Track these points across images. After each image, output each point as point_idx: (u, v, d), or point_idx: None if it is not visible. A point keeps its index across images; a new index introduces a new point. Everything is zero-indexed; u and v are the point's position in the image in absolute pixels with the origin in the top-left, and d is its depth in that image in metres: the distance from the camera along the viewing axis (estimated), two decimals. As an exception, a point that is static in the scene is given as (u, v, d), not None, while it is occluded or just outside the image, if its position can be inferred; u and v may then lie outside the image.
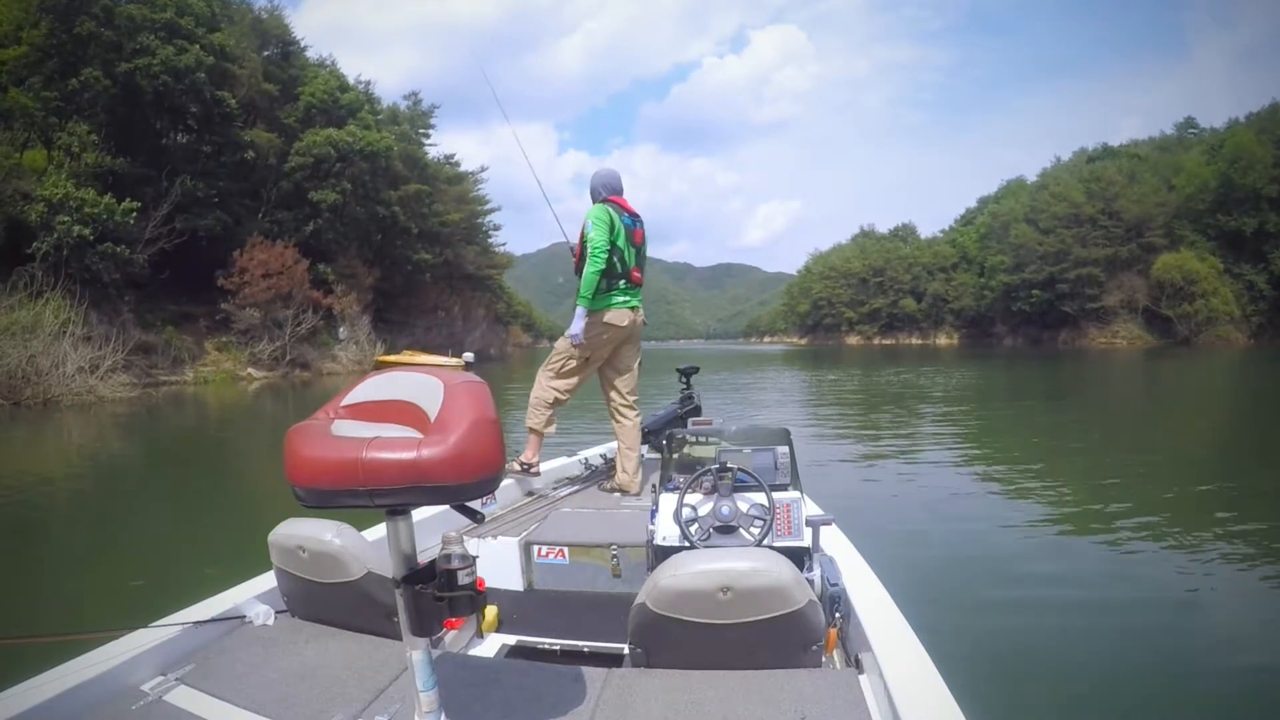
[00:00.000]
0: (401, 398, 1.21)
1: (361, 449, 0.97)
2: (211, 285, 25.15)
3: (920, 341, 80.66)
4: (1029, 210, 64.61)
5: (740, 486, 2.18)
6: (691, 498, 2.19)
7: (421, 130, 43.96)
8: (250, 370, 25.07)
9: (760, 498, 2.15)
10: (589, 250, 3.29)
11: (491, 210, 51.18)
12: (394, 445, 0.98)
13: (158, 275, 22.74)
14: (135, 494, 7.83)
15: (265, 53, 31.18)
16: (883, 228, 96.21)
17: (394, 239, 37.14)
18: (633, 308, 3.50)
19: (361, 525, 2.00)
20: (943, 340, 79.44)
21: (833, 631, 1.73)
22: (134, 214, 20.98)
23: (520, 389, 22.33)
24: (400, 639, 1.15)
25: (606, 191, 3.50)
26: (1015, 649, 3.24)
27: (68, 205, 19.22)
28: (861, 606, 1.82)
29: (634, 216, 3.52)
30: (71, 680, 1.46)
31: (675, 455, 2.49)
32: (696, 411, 4.10)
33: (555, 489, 3.58)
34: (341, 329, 31.61)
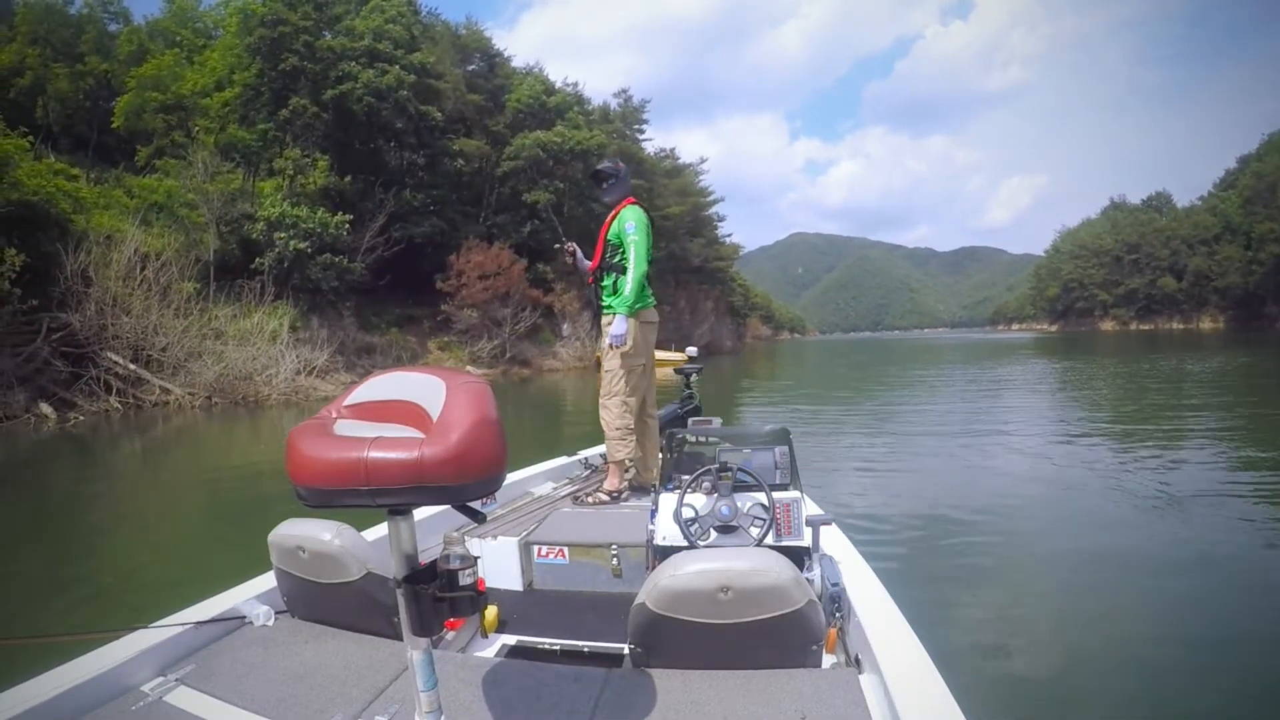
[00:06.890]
0: (404, 398, 1.19)
1: (364, 448, 0.97)
2: (434, 288, 26.12)
3: (1182, 326, 72.50)
4: (1300, 164, 51.97)
5: (740, 486, 2.21)
6: (692, 497, 2.22)
7: (635, 126, 43.39)
8: (470, 368, 25.24)
9: (760, 497, 2.17)
10: (635, 254, 3.20)
11: (715, 201, 49.16)
12: (396, 445, 0.97)
13: (379, 281, 23.87)
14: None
15: (470, 67, 32.50)
16: (1134, 198, 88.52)
17: (614, 235, 36.54)
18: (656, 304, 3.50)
19: (361, 525, 2.01)
20: (1207, 324, 71.04)
21: (833, 631, 1.74)
22: (347, 226, 22.11)
23: (747, 388, 19.77)
24: (400, 639, 1.16)
25: (625, 192, 3.41)
26: (1015, 648, 3.15)
27: (284, 223, 20.68)
28: (861, 606, 1.80)
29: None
30: (71, 680, 1.46)
31: (675, 455, 2.52)
32: (697, 411, 4.04)
33: (555, 489, 3.56)
34: (564, 326, 31.60)
